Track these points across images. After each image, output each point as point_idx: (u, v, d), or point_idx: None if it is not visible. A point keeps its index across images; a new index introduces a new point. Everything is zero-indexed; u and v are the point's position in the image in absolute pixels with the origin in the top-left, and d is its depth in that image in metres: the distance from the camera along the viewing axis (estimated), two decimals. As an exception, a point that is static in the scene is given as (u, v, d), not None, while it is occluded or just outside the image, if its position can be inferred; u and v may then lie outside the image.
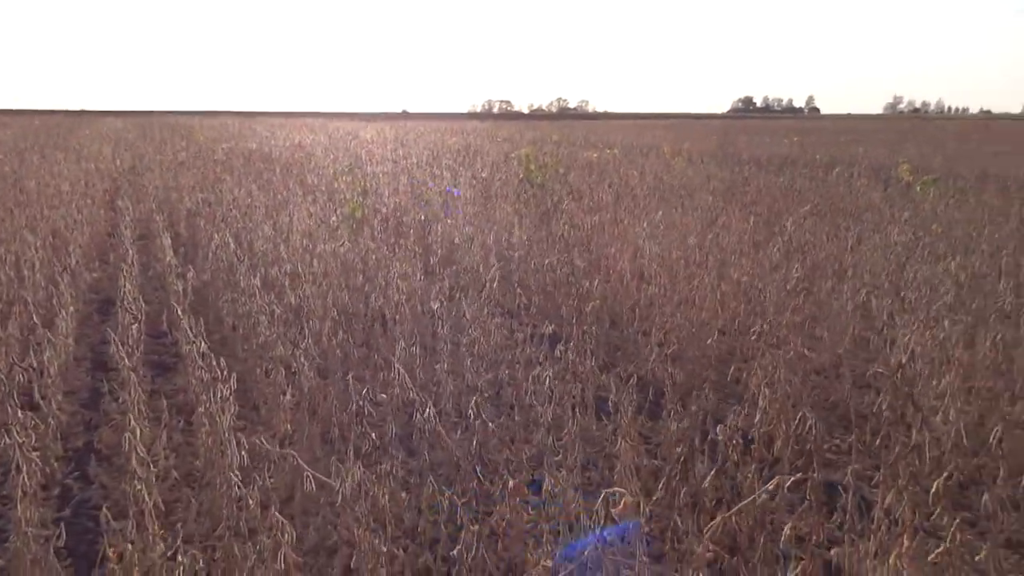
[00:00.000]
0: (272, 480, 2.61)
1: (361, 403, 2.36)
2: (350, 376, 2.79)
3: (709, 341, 3.60)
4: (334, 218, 6.12)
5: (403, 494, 2.57)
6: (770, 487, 1.46)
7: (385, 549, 2.02)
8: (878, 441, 2.52)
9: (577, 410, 3.02)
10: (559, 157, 12.99)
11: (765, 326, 3.26)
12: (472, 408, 2.97)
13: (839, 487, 2.25)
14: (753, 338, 3.31)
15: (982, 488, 2.44)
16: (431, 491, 2.23)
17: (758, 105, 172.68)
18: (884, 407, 2.39)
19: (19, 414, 2.41)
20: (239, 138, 19.64)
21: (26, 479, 2.20)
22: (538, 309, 4.37)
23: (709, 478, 2.22)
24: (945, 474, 1.74)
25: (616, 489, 1.35)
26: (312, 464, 2.66)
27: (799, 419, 1.84)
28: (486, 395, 3.15)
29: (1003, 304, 3.78)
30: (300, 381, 3.17)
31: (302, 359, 3.22)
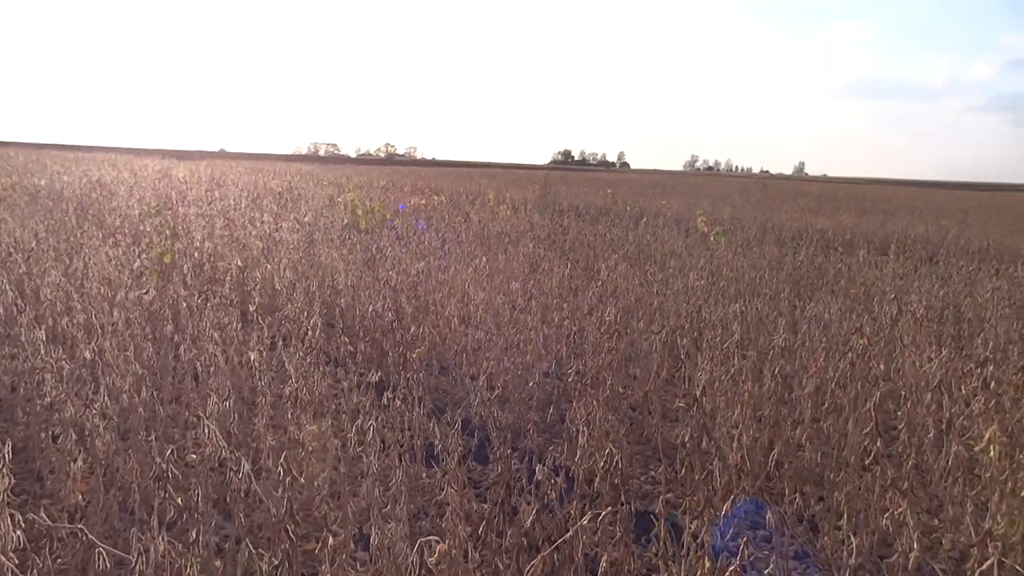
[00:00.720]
0: (59, 561, 2.31)
1: (165, 466, 2.17)
2: (153, 437, 2.56)
3: (531, 383, 3.74)
4: (138, 263, 5.62)
5: (217, 562, 2.38)
6: (584, 521, 1.54)
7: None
8: (683, 470, 2.74)
9: (405, 458, 3.00)
10: (386, 203, 12.98)
11: (583, 366, 3.46)
12: (292, 464, 2.84)
13: (652, 516, 2.41)
14: (571, 379, 3.49)
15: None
16: (247, 556, 2.08)
17: (576, 158, 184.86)
18: (687, 438, 2.62)
19: None
20: (24, 173, 17.53)
21: None
22: (364, 356, 4.30)
23: (531, 517, 2.29)
24: (732, 497, 1.94)
25: (430, 538, 1.36)
26: (109, 538, 2.40)
27: (607, 454, 1.96)
28: (310, 448, 3.02)
29: (781, 340, 4.31)
30: (94, 445, 2.84)
31: (97, 420, 2.90)
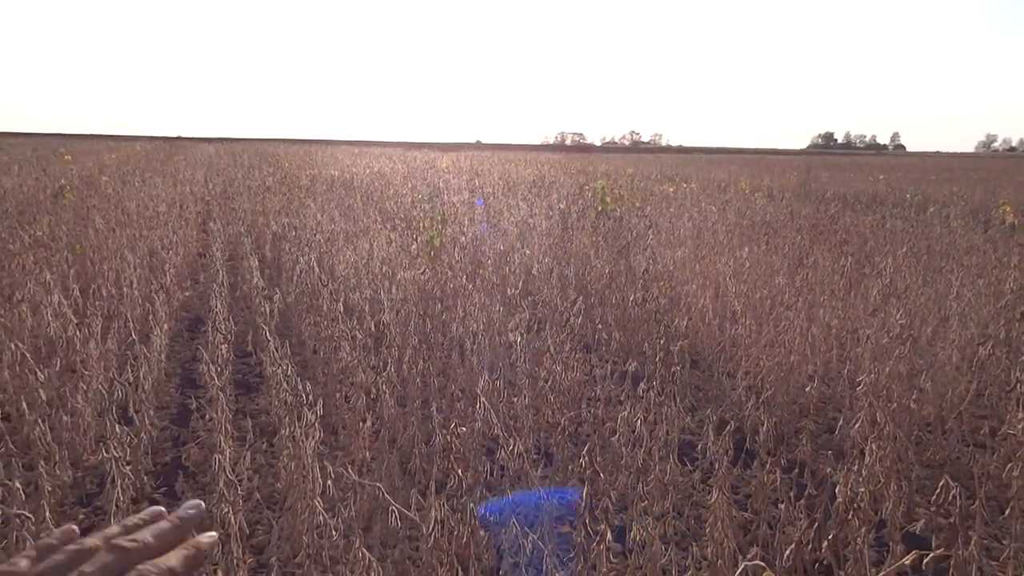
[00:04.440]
0: (352, 512, 2.59)
1: (449, 437, 2.32)
2: (434, 407, 2.76)
3: (809, 389, 3.42)
4: (415, 246, 6.19)
5: (482, 532, 2.51)
6: (907, 561, 1.32)
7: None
8: (1007, 511, 2.29)
9: (660, 454, 2.91)
10: (635, 190, 12.88)
11: (870, 375, 3.07)
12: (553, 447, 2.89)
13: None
14: (857, 388, 3.11)
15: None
16: (515, 533, 2.15)
17: (839, 141, 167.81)
18: (1015, 473, 2.18)
19: (116, 428, 2.47)
20: (322, 165, 20.35)
21: (120, 493, 2.25)
22: (619, 345, 4.27)
23: (804, 534, 2.06)
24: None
25: (756, 563, 1.25)
26: (391, 495, 2.63)
27: (942, 487, 1.68)
28: (567, 433, 3.06)
29: None
30: (380, 409, 3.16)
31: (383, 387, 3.22)
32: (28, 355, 2.97)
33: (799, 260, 5.82)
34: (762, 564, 1.23)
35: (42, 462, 2.65)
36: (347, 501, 2.17)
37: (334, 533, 2.04)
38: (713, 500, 2.07)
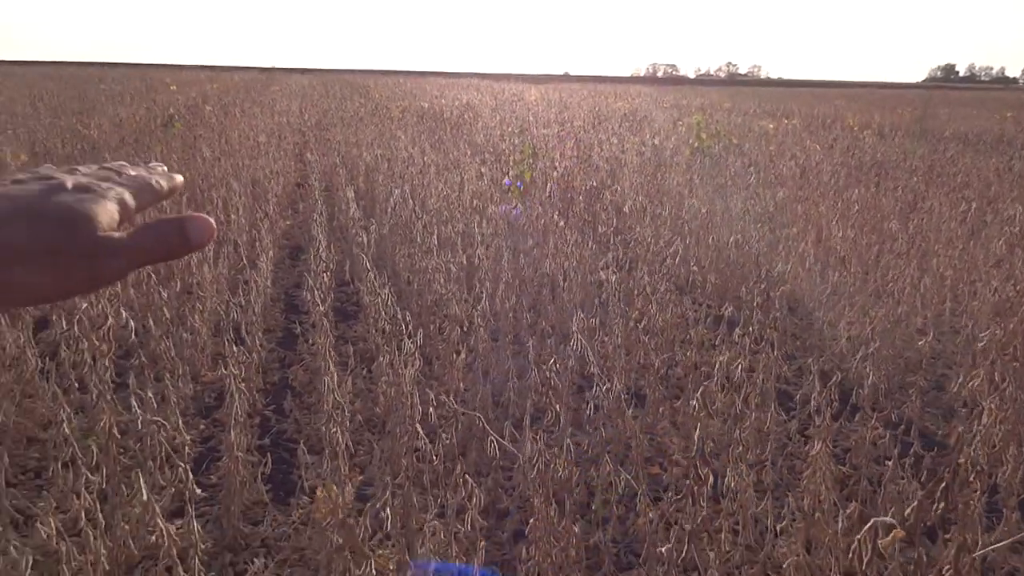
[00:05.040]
0: (449, 440, 2.69)
1: (548, 373, 2.35)
2: (530, 343, 2.79)
3: (923, 343, 3.25)
4: (506, 179, 6.17)
5: (574, 468, 2.56)
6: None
7: (559, 521, 2.00)
8: None
9: (756, 402, 2.85)
10: (732, 126, 12.31)
11: (993, 331, 2.88)
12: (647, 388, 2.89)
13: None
14: (977, 344, 2.93)
15: None
16: (607, 470, 2.18)
17: (961, 74, 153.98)
18: None
19: (232, 348, 2.63)
20: (411, 97, 20.41)
21: (238, 408, 2.41)
22: (714, 288, 4.17)
23: (918, 496, 1.99)
24: None
25: (885, 518, 1.22)
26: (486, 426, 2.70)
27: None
28: (659, 374, 3.05)
29: None
30: (474, 342, 3.23)
31: (477, 320, 3.28)
32: (153, 275, 3.18)
33: (912, 204, 5.46)
34: (892, 521, 1.19)
35: (167, 375, 2.87)
36: (446, 428, 2.25)
37: (434, 458, 2.12)
38: (816, 451, 2.02)
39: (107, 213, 0.40)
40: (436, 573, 1.72)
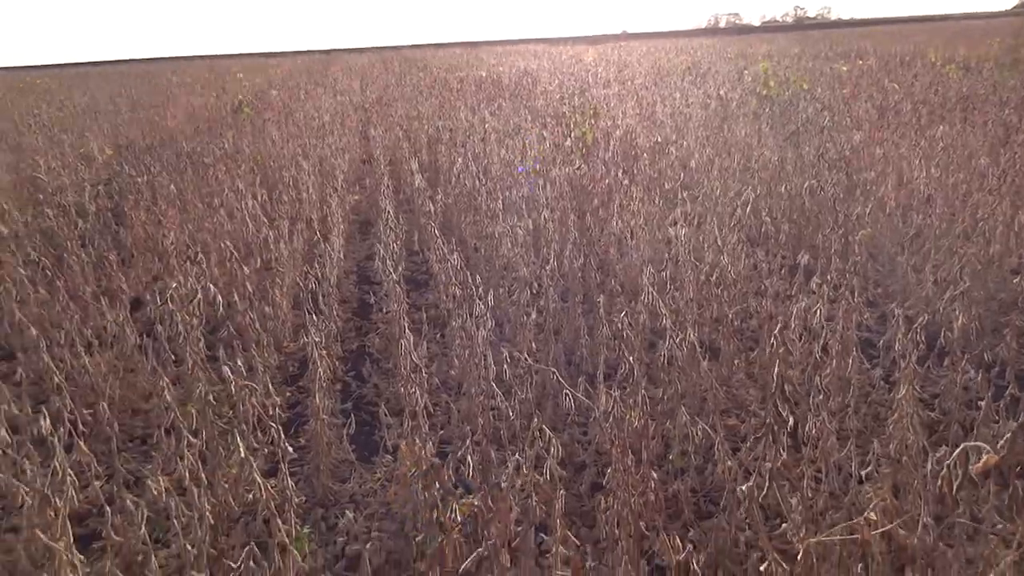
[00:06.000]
0: (522, 395, 2.73)
1: (619, 327, 2.35)
2: (600, 300, 2.79)
3: (1018, 280, 3.07)
4: (568, 142, 6.12)
5: (649, 420, 2.56)
6: None
7: (637, 470, 2.02)
8: None
9: (836, 349, 2.77)
10: (802, 71, 11.77)
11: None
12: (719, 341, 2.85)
13: None
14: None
15: None
16: (683, 421, 2.18)
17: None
18: None
19: (313, 317, 2.74)
20: (468, 67, 20.35)
21: (321, 374, 2.52)
22: (788, 238, 4.04)
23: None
24: None
25: (978, 444, 1.18)
26: (559, 384, 2.73)
27: None
28: (733, 327, 3.00)
29: None
30: (544, 303, 3.25)
31: (546, 280, 3.30)
32: (235, 252, 3.33)
33: (1004, 139, 5.11)
34: (984, 446, 1.15)
35: (253, 346, 3.02)
36: (520, 385, 2.28)
37: (510, 414, 2.17)
38: (901, 394, 1.96)
39: None
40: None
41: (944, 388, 2.62)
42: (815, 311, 2.66)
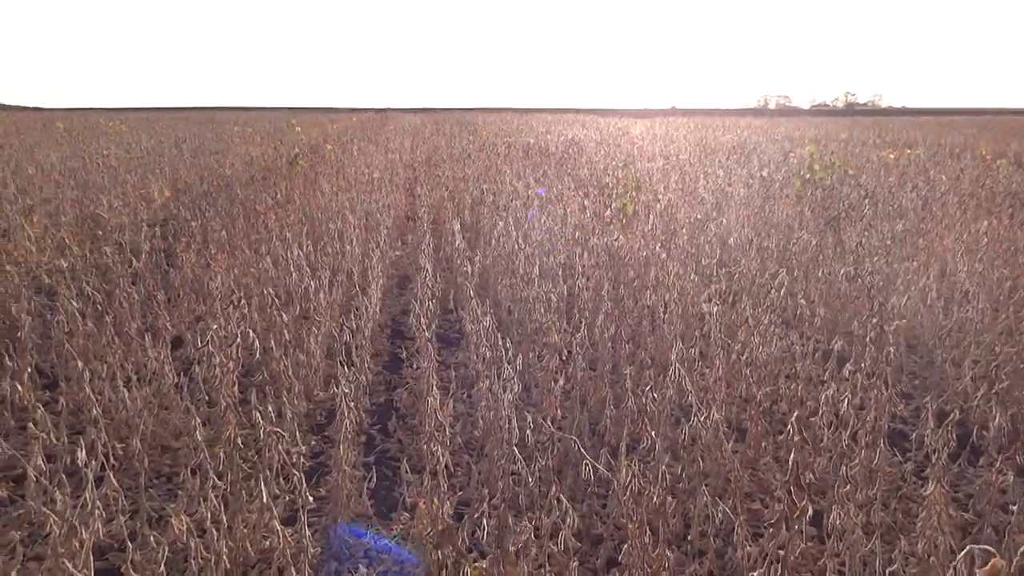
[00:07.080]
0: (543, 461, 2.73)
1: (645, 400, 2.35)
2: (628, 372, 2.80)
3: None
4: (608, 212, 6.21)
5: (669, 498, 2.53)
6: None
7: (654, 548, 1.99)
8: None
9: (866, 440, 2.71)
10: (848, 157, 11.81)
11: None
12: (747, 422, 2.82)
13: None
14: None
15: None
16: (704, 501, 2.15)
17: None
18: None
19: (344, 368, 2.80)
20: (517, 133, 20.90)
21: (348, 425, 2.56)
22: (823, 322, 4.01)
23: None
24: None
25: (983, 546, 1.16)
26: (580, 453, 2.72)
27: None
28: (761, 408, 2.96)
29: None
30: (572, 370, 3.26)
31: (576, 348, 3.32)
32: (276, 299, 3.44)
33: (1051, 237, 5.03)
34: (990, 549, 1.12)
35: (285, 392, 3.09)
36: (542, 451, 2.29)
37: (530, 480, 2.17)
38: (930, 491, 1.91)
39: None
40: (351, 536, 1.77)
41: (979, 489, 2.54)
42: (843, 399, 2.62)
